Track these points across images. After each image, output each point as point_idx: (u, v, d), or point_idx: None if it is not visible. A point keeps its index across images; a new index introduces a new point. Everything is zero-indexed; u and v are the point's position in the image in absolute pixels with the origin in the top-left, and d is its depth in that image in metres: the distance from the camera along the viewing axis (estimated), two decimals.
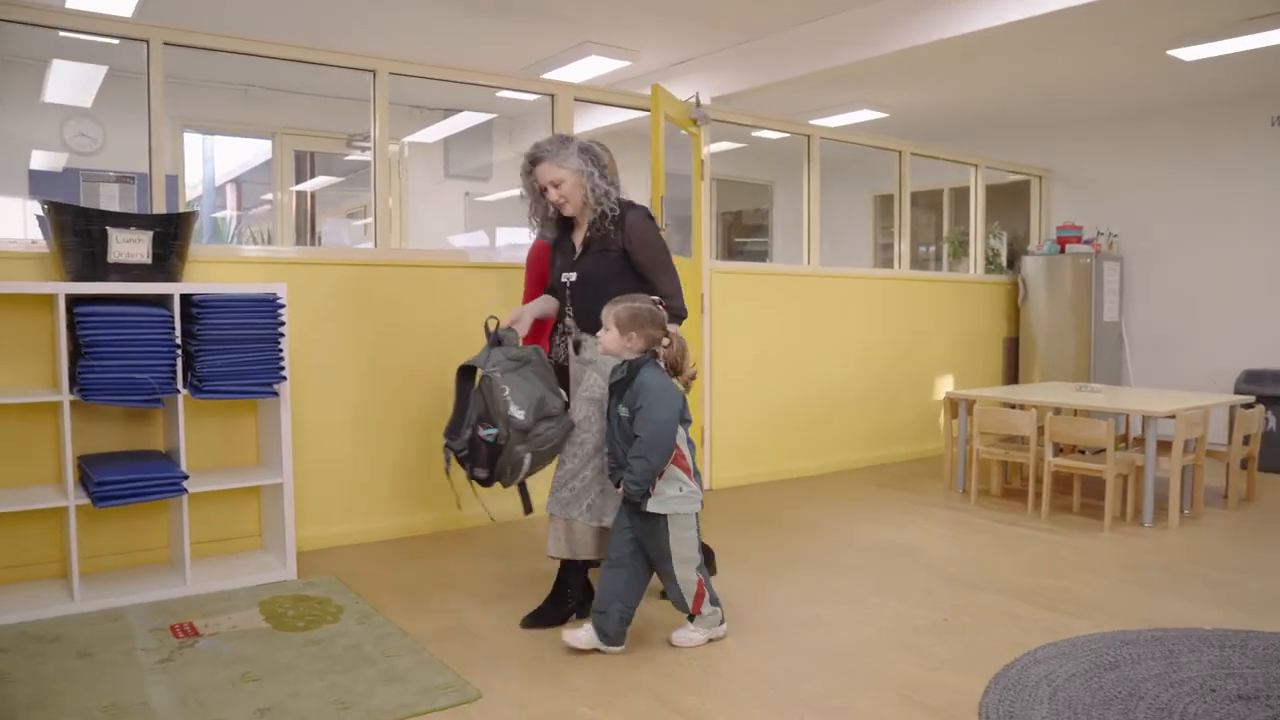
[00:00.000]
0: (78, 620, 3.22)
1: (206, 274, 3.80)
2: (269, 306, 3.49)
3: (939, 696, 2.66)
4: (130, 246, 3.37)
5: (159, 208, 3.78)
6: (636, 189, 3.70)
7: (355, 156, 8.21)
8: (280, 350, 3.53)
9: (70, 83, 6.24)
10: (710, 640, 3.04)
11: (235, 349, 3.43)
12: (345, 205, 9.48)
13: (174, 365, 3.36)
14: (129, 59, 5.42)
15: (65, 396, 3.25)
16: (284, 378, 3.55)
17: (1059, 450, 4.87)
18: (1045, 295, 7.18)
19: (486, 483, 3.07)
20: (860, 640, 3.11)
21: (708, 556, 3.43)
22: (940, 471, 5.96)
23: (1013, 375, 7.41)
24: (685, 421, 2.95)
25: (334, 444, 4.18)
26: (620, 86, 6.44)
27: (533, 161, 3.20)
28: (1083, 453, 5.29)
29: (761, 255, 10.41)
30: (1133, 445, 5.24)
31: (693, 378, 3.02)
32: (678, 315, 3.19)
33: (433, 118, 7.61)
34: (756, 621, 3.27)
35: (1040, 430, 4.86)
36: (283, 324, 3.53)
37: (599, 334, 2.98)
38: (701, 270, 5.24)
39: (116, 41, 5.10)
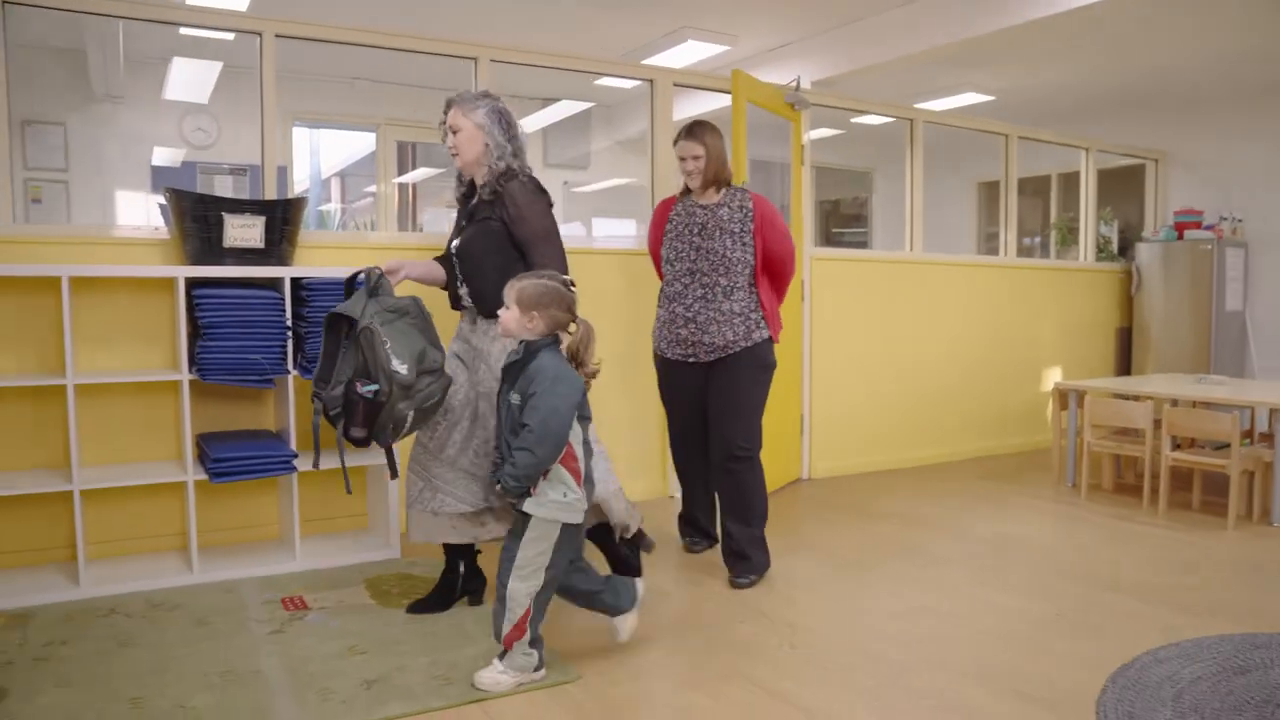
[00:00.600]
0: (196, 590, 3.35)
1: (312, 259, 3.90)
2: None
3: (1053, 692, 2.56)
4: (244, 231, 3.48)
5: (270, 197, 3.89)
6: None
7: None
8: None
9: (188, 80, 6.49)
10: (520, 685, 2.58)
11: None
12: (445, 196, 9.66)
13: (285, 347, 3.46)
14: (243, 55, 5.62)
15: (185, 376, 3.38)
16: None
17: (1177, 444, 4.65)
18: (1161, 284, 6.88)
19: (363, 442, 2.85)
20: (966, 632, 3.02)
21: (467, 586, 3.22)
22: (1047, 464, 5.76)
23: (1125, 367, 7.12)
24: (585, 419, 2.64)
25: None
26: (719, 73, 6.37)
27: (446, 105, 3.13)
28: (1202, 447, 5.04)
29: (860, 246, 10.22)
30: (1259, 441, 4.97)
31: (595, 373, 2.66)
32: None
33: (531, 107, 7.69)
34: (857, 610, 3.21)
35: (1157, 423, 4.64)
36: None
37: (499, 311, 2.63)
38: (802, 258, 5.16)
39: (231, 36, 5.31)
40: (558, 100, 7.45)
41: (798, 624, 3.08)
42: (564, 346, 2.63)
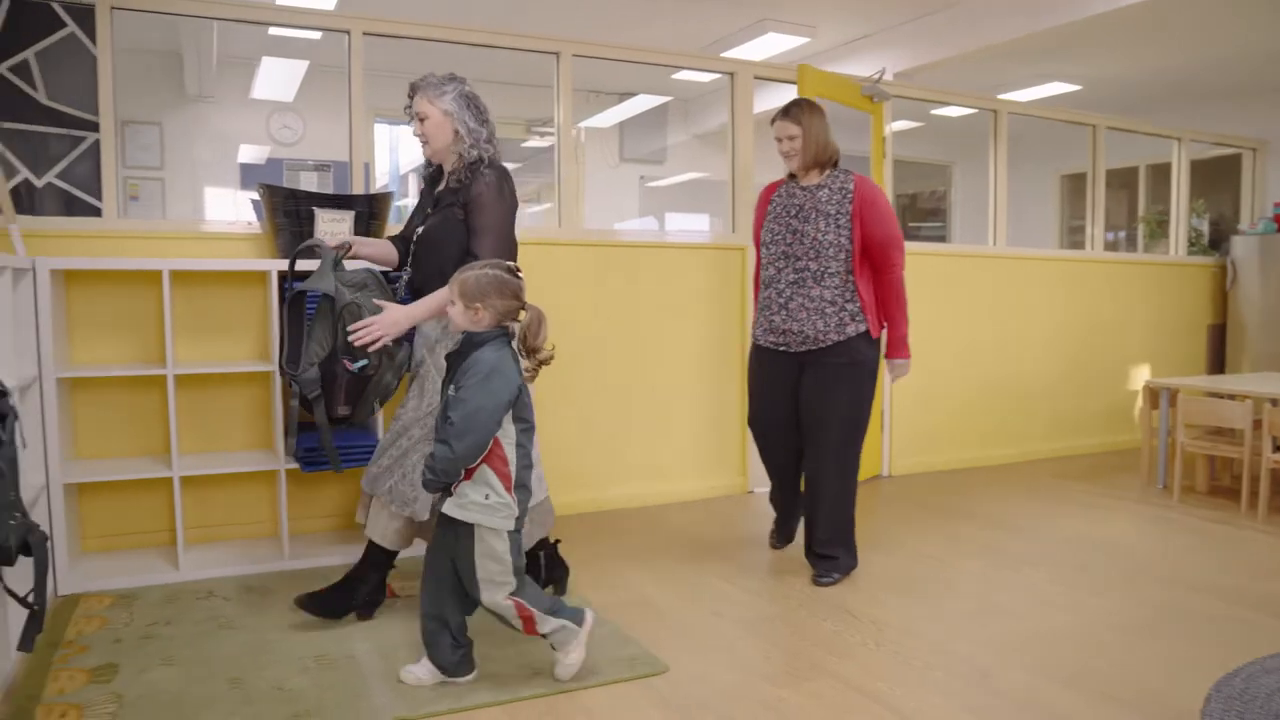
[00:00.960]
0: (288, 576, 3.44)
1: None
2: None
3: (1148, 698, 2.49)
4: (333, 226, 3.56)
5: (358, 192, 3.97)
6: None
7: (530, 143, 8.41)
8: None
9: (275, 79, 6.65)
10: (585, 648, 2.58)
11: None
12: (518, 190, 9.74)
13: None
14: (327, 53, 5.75)
15: (276, 367, 3.46)
16: None
17: (1278, 446, 4.48)
18: (1259, 278, 6.63)
19: (346, 420, 2.84)
20: (1052, 635, 2.95)
21: (550, 575, 3.20)
22: (1135, 465, 5.60)
23: (1218, 364, 6.88)
24: (522, 420, 2.49)
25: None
26: (798, 64, 6.32)
27: (411, 90, 3.04)
28: None
29: (937, 240, 10.05)
30: None
31: (548, 359, 2.53)
32: None
33: (608, 102, 7.70)
34: (941, 610, 3.16)
35: (1256, 424, 4.48)
36: None
37: (448, 307, 2.53)
38: None
39: (319, 35, 5.42)
40: (635, 95, 7.45)
41: (882, 622, 3.04)
42: (515, 335, 2.52)
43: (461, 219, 2.93)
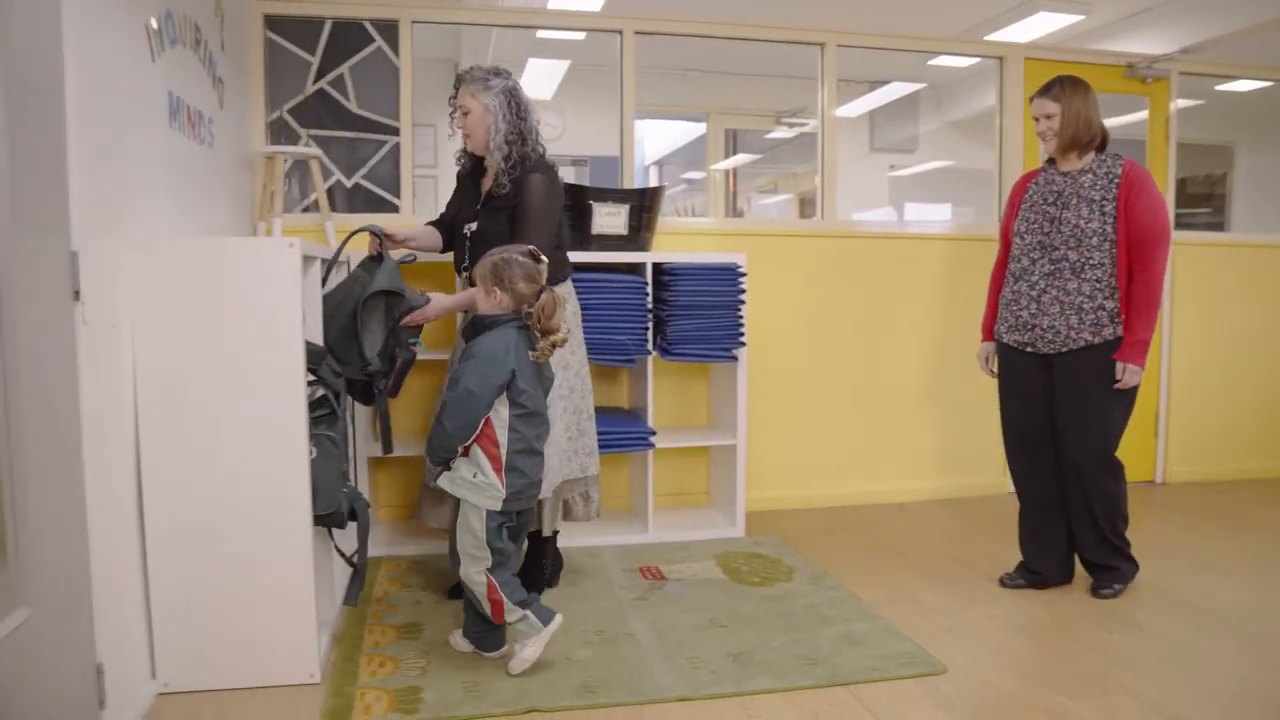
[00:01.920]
0: (564, 553, 3.61)
1: (664, 245, 4.08)
2: (731, 275, 3.67)
3: None
4: (610, 219, 3.70)
5: (627, 186, 4.11)
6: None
7: (776, 134, 8.40)
8: (740, 317, 3.70)
9: (538, 79, 6.99)
10: (543, 646, 2.54)
11: (700, 314, 3.65)
12: (755, 183, 9.76)
13: (647, 329, 3.64)
14: (588, 53, 5.98)
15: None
16: (743, 343, 3.72)
17: None
18: None
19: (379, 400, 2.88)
20: None
21: (537, 573, 3.16)
22: None
23: None
24: (518, 405, 2.51)
25: (775, 410, 4.32)
26: (1071, 44, 5.96)
27: (457, 82, 2.99)
28: None
29: (1210, 228, 9.20)
30: None
31: (560, 342, 2.55)
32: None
33: (859, 90, 7.57)
34: (1240, 633, 2.89)
35: None
36: (743, 291, 3.70)
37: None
38: None
39: (583, 36, 5.64)
40: (887, 82, 7.28)
41: (1175, 639, 2.83)
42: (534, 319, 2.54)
43: (509, 216, 2.94)
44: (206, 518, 2.38)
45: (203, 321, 2.35)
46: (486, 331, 2.53)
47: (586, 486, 3.24)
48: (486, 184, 3.03)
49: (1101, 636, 2.86)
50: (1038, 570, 3.30)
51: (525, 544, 2.72)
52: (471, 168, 3.12)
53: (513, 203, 2.93)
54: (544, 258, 2.59)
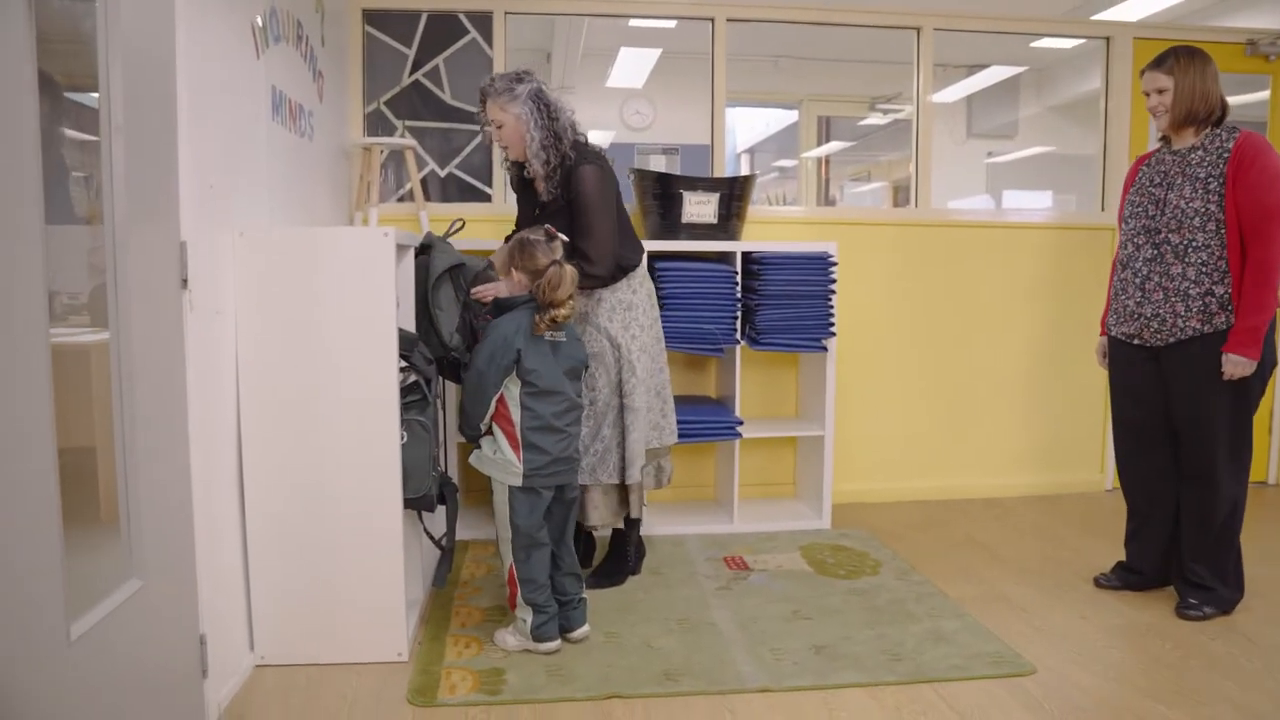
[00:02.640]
0: (649, 541, 3.63)
1: (754, 233, 4.05)
2: (822, 264, 3.63)
3: None
4: (700, 208, 3.69)
5: (719, 175, 4.10)
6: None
7: (869, 121, 8.25)
8: (830, 307, 3.66)
9: (629, 68, 7.00)
10: (526, 651, 2.64)
11: (790, 304, 3.62)
12: (849, 170, 9.60)
13: (735, 318, 3.63)
14: (680, 40, 5.96)
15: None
16: (833, 333, 3.68)
17: None
18: None
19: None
20: None
21: (620, 560, 3.25)
22: None
23: None
24: (528, 384, 2.57)
25: (866, 402, 4.27)
26: (1184, 21, 5.70)
27: (481, 96, 2.96)
28: None
29: None
30: None
31: (562, 316, 2.57)
32: (592, 282, 2.96)
33: (956, 75, 7.38)
34: None
35: None
36: (833, 281, 3.65)
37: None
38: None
39: (674, 24, 5.63)
40: (985, 66, 7.06)
41: None
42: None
43: (569, 217, 2.94)
44: (302, 499, 2.47)
45: (301, 308, 2.43)
46: (505, 314, 2.66)
47: (659, 458, 3.28)
48: (539, 186, 3.02)
49: (1203, 643, 2.75)
50: (1137, 570, 3.18)
51: (572, 533, 2.79)
52: (519, 175, 3.12)
53: (568, 199, 2.95)
54: (560, 235, 2.69)
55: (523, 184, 3.12)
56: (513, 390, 2.60)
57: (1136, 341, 3.03)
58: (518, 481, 2.60)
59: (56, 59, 1.64)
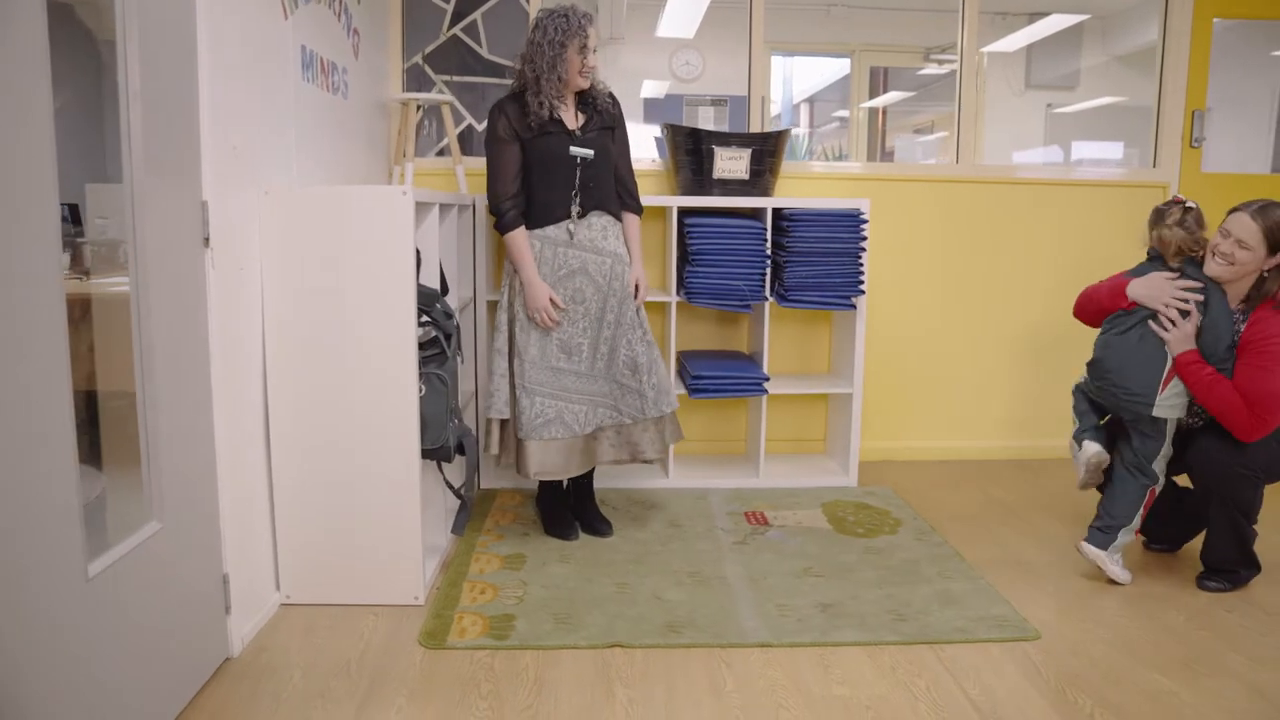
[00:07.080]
0: (671, 494, 3.71)
1: (789, 189, 4.03)
2: (853, 221, 3.61)
3: None
4: (731, 164, 3.68)
5: (754, 128, 4.07)
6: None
7: (927, 70, 8.04)
8: (860, 264, 3.64)
9: (678, 17, 6.92)
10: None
11: (819, 261, 3.61)
12: (912, 120, 9.38)
13: (764, 274, 3.63)
14: None
15: (673, 298, 3.69)
16: (862, 291, 3.67)
17: None
18: None
19: None
20: None
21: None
22: None
23: None
24: None
25: (900, 360, 4.25)
26: None
27: (590, 21, 2.92)
28: None
29: None
30: None
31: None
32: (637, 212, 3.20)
33: (1015, 24, 7.14)
34: None
35: None
36: (864, 239, 3.63)
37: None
38: None
39: None
40: (1046, 15, 6.82)
41: None
42: None
43: (610, 135, 3.12)
44: (324, 448, 2.58)
45: (322, 265, 2.51)
46: None
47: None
48: (566, 114, 3.03)
49: (1217, 615, 2.73)
50: (1157, 542, 3.21)
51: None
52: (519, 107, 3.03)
53: (611, 126, 3.11)
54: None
55: (537, 119, 2.99)
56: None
57: None
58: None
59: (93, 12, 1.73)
